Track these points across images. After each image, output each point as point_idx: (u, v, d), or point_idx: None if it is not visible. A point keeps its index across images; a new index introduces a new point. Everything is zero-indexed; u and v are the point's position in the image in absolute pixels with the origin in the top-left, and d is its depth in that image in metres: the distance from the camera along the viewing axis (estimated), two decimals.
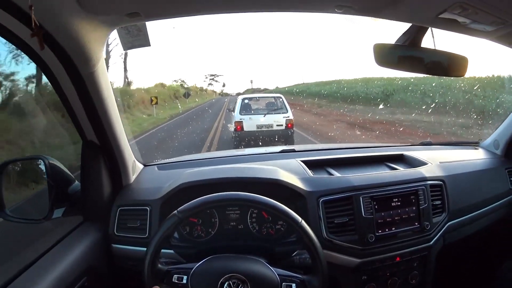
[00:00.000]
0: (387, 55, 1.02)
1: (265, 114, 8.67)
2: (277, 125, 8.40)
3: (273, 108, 9.15)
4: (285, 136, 8.40)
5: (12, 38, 0.92)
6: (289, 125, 8.42)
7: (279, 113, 8.67)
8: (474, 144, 1.95)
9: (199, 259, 1.13)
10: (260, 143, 8.08)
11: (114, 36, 1.15)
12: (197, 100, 35.66)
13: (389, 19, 0.95)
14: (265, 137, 8.24)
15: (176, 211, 1.09)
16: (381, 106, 15.35)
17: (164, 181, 1.46)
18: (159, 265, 1.09)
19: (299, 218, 1.09)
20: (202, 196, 1.11)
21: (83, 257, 1.21)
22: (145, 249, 1.18)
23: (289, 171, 1.45)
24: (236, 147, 8.20)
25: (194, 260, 1.23)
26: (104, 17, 0.96)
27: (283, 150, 1.86)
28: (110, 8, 0.93)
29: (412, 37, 0.98)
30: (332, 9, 0.95)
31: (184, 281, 1.06)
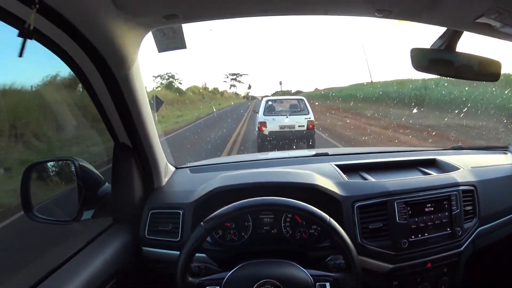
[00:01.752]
0: (423, 59, 1.01)
1: (287, 115, 9.00)
2: (299, 126, 8.72)
3: (295, 109, 9.57)
4: (306, 136, 8.76)
5: (45, 41, 0.91)
6: (310, 126, 8.74)
7: (301, 115, 9.03)
8: (503, 149, 1.91)
9: (232, 264, 1.12)
10: (282, 143, 8.46)
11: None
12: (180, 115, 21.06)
13: (427, 23, 0.93)
14: (287, 137, 8.57)
15: (202, 222, 1.06)
16: (414, 111, 15.23)
17: (197, 184, 1.44)
18: (190, 279, 1.07)
19: (327, 217, 1.06)
20: (236, 201, 1.08)
21: (113, 259, 1.19)
22: (176, 252, 1.18)
23: (324, 176, 1.43)
24: (260, 146, 8.78)
25: (226, 264, 1.22)
26: (140, 18, 0.95)
27: (317, 153, 1.84)
28: (148, 9, 0.91)
29: (448, 41, 0.97)
30: (372, 13, 0.94)
31: None
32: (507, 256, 1.74)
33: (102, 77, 1.06)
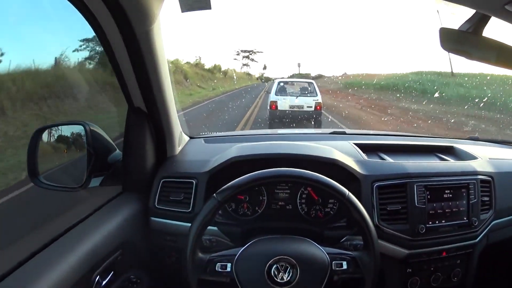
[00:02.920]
0: (450, 39, 1.00)
1: (297, 96, 9.83)
2: (307, 107, 9.50)
3: (305, 91, 10.30)
4: (313, 116, 9.47)
5: None
6: (318, 107, 9.53)
7: (310, 96, 9.83)
8: None
9: (244, 239, 1.09)
10: (290, 121, 9.11)
11: None
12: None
13: (456, 2, 0.86)
14: (296, 116, 9.30)
15: (215, 194, 1.01)
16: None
17: (211, 154, 1.40)
18: (200, 254, 1.02)
19: (346, 191, 1.02)
20: (251, 172, 1.03)
21: (120, 229, 1.15)
22: (186, 224, 1.18)
23: (343, 153, 1.37)
24: (271, 124, 9.33)
25: (238, 239, 1.20)
26: None
27: (334, 131, 1.80)
28: None
29: (475, 25, 0.93)
30: None
31: (228, 269, 1.00)
32: None
33: (121, 33, 1.01)
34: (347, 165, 1.29)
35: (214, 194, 1.01)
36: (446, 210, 1.28)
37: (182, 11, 1.08)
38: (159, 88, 1.19)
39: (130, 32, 1.01)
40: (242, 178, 1.03)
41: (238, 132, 1.58)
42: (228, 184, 1.03)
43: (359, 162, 1.35)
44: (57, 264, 0.90)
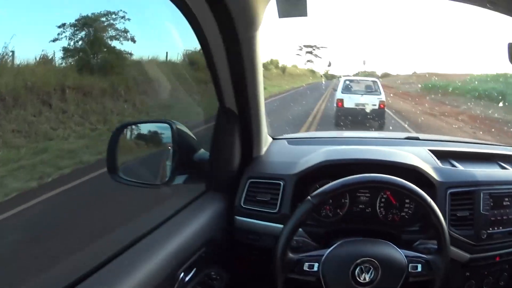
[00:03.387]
0: None
1: (362, 94, 10.43)
2: (372, 105, 9.98)
3: (370, 90, 10.83)
4: (377, 114, 10.01)
5: None
6: (382, 105, 10.09)
7: (374, 95, 10.37)
8: None
9: (326, 240, 1.16)
10: (355, 118, 9.81)
11: None
12: None
13: None
14: (361, 113, 9.89)
15: (309, 197, 1.05)
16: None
17: (298, 156, 1.42)
18: (290, 254, 1.07)
19: (428, 197, 1.08)
20: (339, 177, 1.07)
21: (205, 227, 1.18)
22: (272, 224, 1.26)
23: (420, 159, 1.41)
24: (337, 120, 10.08)
25: (320, 240, 1.26)
26: None
27: (408, 137, 1.83)
28: None
29: None
30: (484, 3, 0.94)
31: (315, 269, 1.05)
32: None
33: (224, 37, 1.03)
34: (426, 171, 1.33)
35: (309, 197, 1.05)
36: (504, 217, 1.32)
37: (280, 17, 1.13)
38: (253, 91, 1.23)
39: (233, 36, 1.03)
40: (337, 182, 1.06)
41: (318, 133, 1.65)
42: (323, 188, 1.06)
43: (435, 168, 1.38)
44: (144, 261, 0.93)
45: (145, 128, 1.38)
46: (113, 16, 6.06)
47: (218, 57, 1.11)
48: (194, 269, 1.11)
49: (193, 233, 1.12)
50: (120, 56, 6.23)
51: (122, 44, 6.32)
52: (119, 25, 6.11)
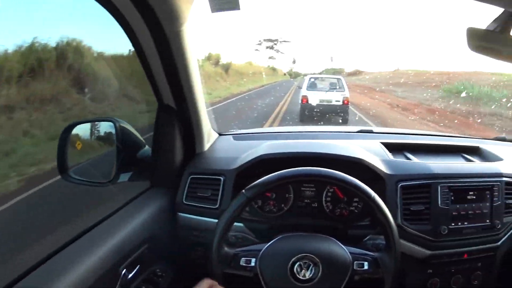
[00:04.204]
0: (477, 39, 0.96)
1: (327, 91, 11.01)
2: (336, 101, 10.58)
3: (334, 87, 11.36)
4: (341, 110, 10.55)
5: None
6: (345, 101, 10.60)
7: (339, 91, 10.94)
8: None
9: (269, 236, 1.09)
10: (320, 114, 10.32)
11: None
12: None
13: (484, 1, 0.83)
14: (325, 109, 10.40)
15: (243, 190, 1.02)
16: None
17: (240, 151, 1.41)
18: (226, 248, 1.04)
19: (371, 192, 1.02)
20: (279, 171, 1.04)
21: (147, 223, 1.17)
22: (213, 220, 1.20)
23: (369, 152, 1.38)
24: (302, 116, 10.59)
25: (263, 236, 1.21)
26: None
27: (361, 130, 1.80)
28: None
29: (503, 24, 0.90)
30: None
31: (252, 264, 1.01)
32: None
33: (152, 33, 1.02)
34: (372, 164, 1.30)
35: (243, 191, 1.02)
36: (469, 212, 1.27)
37: (212, 12, 1.09)
38: (188, 86, 1.21)
39: (160, 32, 1.02)
40: (271, 175, 1.03)
41: (266, 129, 1.60)
42: (257, 181, 1.03)
43: (385, 161, 1.35)
44: (85, 257, 0.92)
45: (92, 127, 1.38)
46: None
47: (149, 53, 1.10)
48: (138, 266, 1.11)
49: (135, 229, 1.11)
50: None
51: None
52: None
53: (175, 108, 1.27)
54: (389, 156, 1.40)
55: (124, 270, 1.04)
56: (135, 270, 1.09)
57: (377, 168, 1.30)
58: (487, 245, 1.30)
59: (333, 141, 1.49)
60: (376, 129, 1.88)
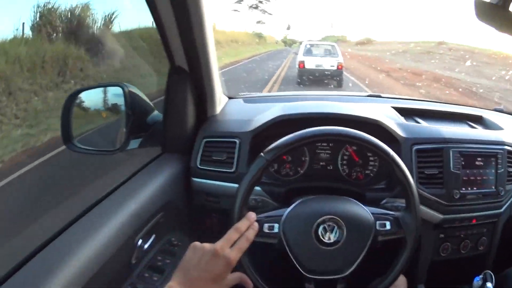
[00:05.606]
0: (484, 11, 0.94)
1: (322, 57, 12.46)
2: (330, 66, 11.86)
3: (328, 53, 12.90)
4: (335, 74, 11.84)
5: None
6: (339, 66, 11.89)
7: (333, 57, 12.36)
8: None
9: (287, 199, 1.08)
10: (316, 78, 11.49)
11: None
12: None
13: None
14: (321, 73, 11.59)
15: (262, 153, 0.97)
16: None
17: (253, 114, 1.38)
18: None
19: (390, 150, 1.00)
20: (295, 132, 0.99)
21: (162, 191, 1.14)
22: (229, 184, 1.22)
23: (383, 114, 1.37)
24: (300, 80, 11.86)
25: (281, 199, 1.22)
26: None
27: (370, 94, 1.81)
28: None
29: None
30: None
31: (276, 230, 0.96)
32: None
33: None
34: (389, 127, 1.29)
35: (262, 153, 0.98)
36: (477, 178, 1.29)
37: None
38: (203, 48, 1.17)
39: None
40: (291, 136, 0.98)
41: (276, 93, 1.57)
42: (276, 143, 0.98)
43: (399, 124, 1.34)
44: (100, 228, 0.89)
45: (98, 94, 1.33)
46: None
47: (165, 14, 1.06)
48: (153, 236, 1.08)
49: (149, 197, 1.07)
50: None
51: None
52: None
53: (187, 70, 1.24)
54: (402, 119, 1.40)
55: (140, 240, 1.01)
56: (150, 240, 1.06)
57: (393, 130, 1.29)
58: (492, 211, 1.32)
59: (348, 104, 1.47)
60: (384, 94, 1.89)
